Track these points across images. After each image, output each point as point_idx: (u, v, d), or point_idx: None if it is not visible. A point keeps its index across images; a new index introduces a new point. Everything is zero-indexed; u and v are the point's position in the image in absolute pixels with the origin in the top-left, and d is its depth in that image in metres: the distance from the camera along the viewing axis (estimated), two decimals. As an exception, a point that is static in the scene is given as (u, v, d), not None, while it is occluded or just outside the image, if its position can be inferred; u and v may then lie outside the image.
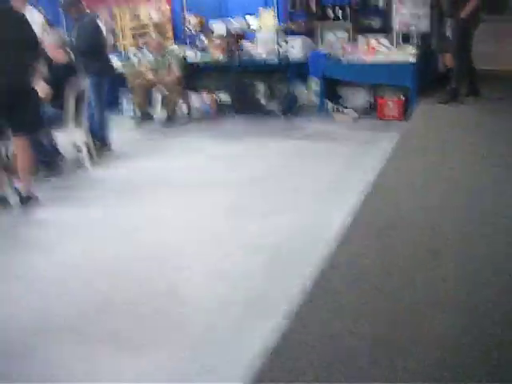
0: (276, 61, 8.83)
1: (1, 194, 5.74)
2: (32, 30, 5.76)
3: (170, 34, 12.98)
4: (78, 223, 5.32)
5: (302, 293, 3.38)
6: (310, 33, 11.34)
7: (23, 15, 5.70)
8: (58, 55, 6.70)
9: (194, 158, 7.20)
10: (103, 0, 12.38)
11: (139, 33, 12.99)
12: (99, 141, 7.50)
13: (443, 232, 4.11)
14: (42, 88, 6.33)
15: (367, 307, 3.17)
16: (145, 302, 3.78)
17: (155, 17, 13.10)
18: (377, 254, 3.81)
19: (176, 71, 9.31)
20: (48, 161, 6.60)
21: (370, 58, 8.50)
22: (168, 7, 13.28)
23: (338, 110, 8.74)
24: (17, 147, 5.70)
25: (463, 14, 7.70)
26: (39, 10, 9.06)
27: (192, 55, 9.83)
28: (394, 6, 9.28)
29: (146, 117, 9.53)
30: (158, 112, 9.55)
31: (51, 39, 6.72)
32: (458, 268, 3.56)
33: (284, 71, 8.85)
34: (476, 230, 4.07)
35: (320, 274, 3.55)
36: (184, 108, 9.71)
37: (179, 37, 11.98)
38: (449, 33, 8.12)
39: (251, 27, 9.09)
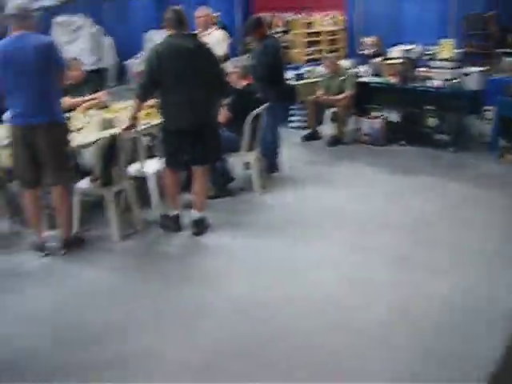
0: (450, 90, 8.63)
1: (175, 214, 6.07)
2: (220, 69, 6.00)
3: (343, 46, 13.02)
4: (246, 254, 5.53)
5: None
6: (487, 57, 11.01)
7: (211, 52, 5.85)
8: (240, 83, 6.94)
9: (361, 190, 7.21)
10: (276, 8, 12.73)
11: (312, 42, 13.15)
12: (269, 164, 7.71)
13: None
14: (222, 114, 6.63)
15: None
16: (303, 358, 3.90)
17: (329, 28, 13.18)
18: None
19: (348, 90, 9.39)
20: (220, 183, 6.90)
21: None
22: (342, 17, 13.29)
23: (510, 150, 8.39)
24: (195, 175, 5.98)
25: None
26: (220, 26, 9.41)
27: (365, 75, 9.82)
28: None
29: (313, 133, 9.68)
30: (327, 130, 9.67)
31: (234, 67, 6.97)
32: None
33: (457, 101, 8.62)
34: None
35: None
36: (352, 129, 9.77)
37: (352, 52, 12.02)
38: None
39: (428, 54, 8.92)
